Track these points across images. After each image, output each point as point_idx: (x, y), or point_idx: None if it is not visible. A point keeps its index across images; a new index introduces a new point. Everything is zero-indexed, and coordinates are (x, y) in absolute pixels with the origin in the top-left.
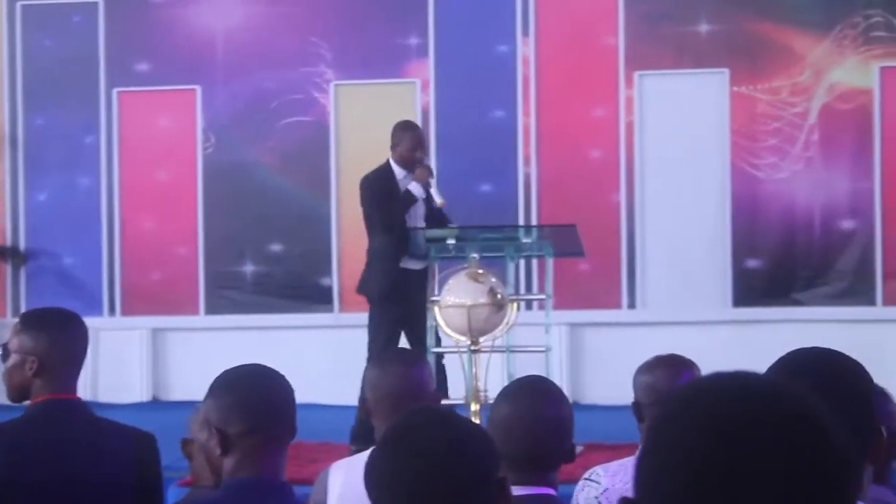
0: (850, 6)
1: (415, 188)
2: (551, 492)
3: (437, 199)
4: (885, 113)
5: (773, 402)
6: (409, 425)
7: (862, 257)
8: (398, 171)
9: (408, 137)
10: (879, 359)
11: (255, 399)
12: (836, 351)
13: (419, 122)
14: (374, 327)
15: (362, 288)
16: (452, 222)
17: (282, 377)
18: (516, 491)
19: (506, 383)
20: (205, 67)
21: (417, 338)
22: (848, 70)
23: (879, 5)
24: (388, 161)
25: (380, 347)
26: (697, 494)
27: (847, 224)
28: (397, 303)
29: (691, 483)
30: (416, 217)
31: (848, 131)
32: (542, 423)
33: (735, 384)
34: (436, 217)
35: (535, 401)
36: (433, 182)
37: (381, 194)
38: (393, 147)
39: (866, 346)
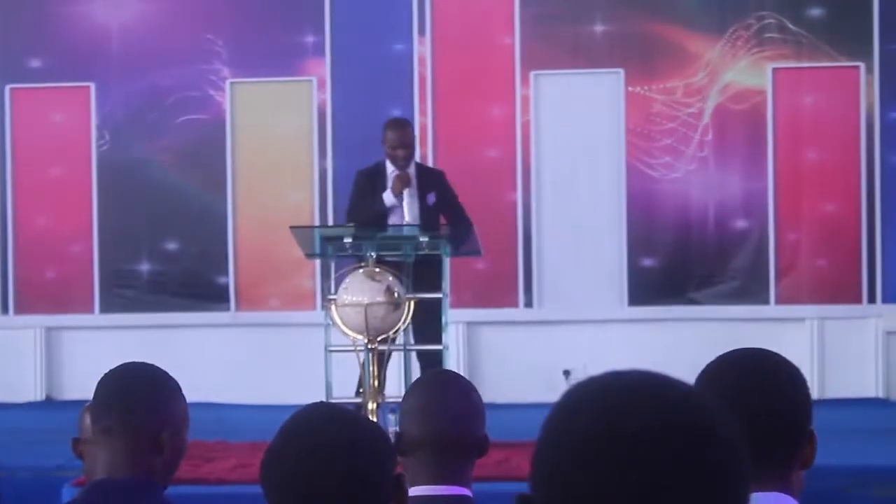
0: (743, 8)
1: (387, 197)
2: (465, 492)
3: (406, 216)
4: (777, 113)
5: (656, 403)
6: (300, 423)
7: (755, 256)
8: (389, 167)
9: (387, 136)
10: None
11: (112, 392)
12: (771, 352)
13: (314, 121)
14: None
15: None
16: (456, 223)
17: (153, 375)
18: (428, 491)
19: (403, 382)
20: (99, 64)
21: (426, 334)
22: (741, 71)
23: (772, 7)
24: (382, 158)
25: None
26: (574, 495)
27: (741, 223)
28: None
29: (568, 485)
30: (411, 213)
31: (741, 131)
32: (452, 408)
33: (620, 383)
34: (430, 215)
35: (446, 387)
36: (406, 193)
37: (357, 191)
38: (382, 143)
39: (760, 344)
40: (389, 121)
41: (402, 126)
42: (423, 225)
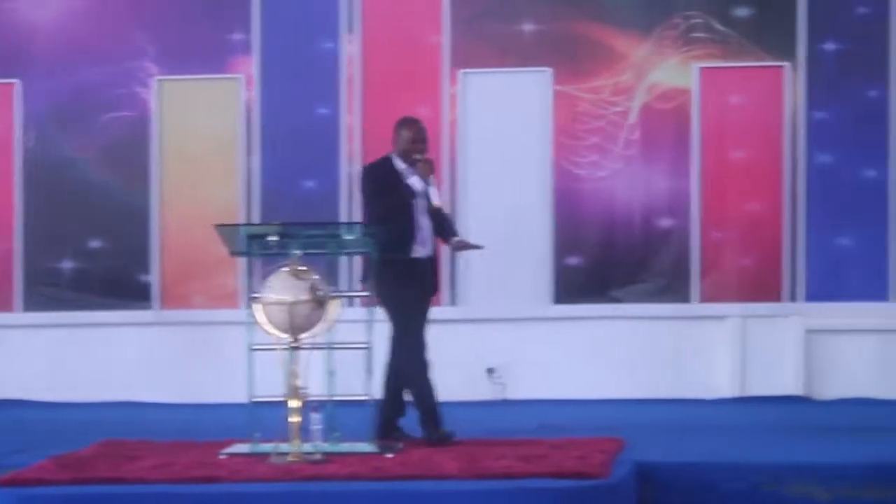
0: (670, 8)
1: (415, 182)
2: None
3: (434, 200)
4: (703, 113)
5: None
6: None
7: (679, 255)
8: (399, 164)
9: (407, 133)
10: (695, 355)
11: None
12: None
13: (243, 119)
14: (401, 319)
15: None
16: (451, 220)
17: None
18: None
19: (325, 381)
20: (24, 61)
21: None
22: (668, 70)
23: (699, 7)
24: (388, 155)
25: (413, 335)
26: None
27: (665, 222)
28: (412, 289)
29: None
30: (419, 211)
31: (667, 131)
32: None
33: None
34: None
35: None
36: (432, 180)
37: (380, 186)
38: (394, 143)
39: (683, 342)
40: (404, 119)
41: (416, 122)
42: (433, 223)
